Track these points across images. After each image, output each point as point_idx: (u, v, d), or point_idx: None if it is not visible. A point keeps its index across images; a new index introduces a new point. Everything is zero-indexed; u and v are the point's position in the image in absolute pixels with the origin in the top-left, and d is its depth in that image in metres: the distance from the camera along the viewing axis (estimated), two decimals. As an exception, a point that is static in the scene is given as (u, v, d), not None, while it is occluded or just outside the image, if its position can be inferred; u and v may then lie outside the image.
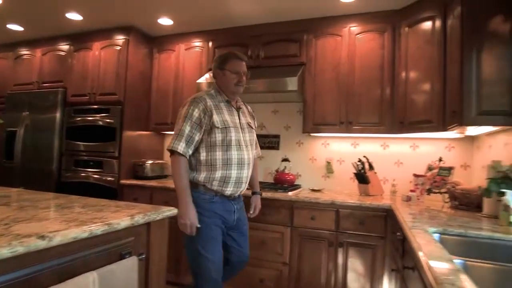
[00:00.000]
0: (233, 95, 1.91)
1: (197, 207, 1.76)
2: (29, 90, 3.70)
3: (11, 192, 1.99)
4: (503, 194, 1.53)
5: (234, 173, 1.80)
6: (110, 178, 3.22)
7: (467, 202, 2.13)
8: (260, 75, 2.77)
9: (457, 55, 1.97)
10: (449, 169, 2.45)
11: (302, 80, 2.84)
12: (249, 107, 2.10)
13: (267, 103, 3.29)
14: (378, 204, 2.33)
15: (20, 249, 0.93)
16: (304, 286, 2.46)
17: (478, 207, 2.02)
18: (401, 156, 2.88)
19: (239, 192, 1.89)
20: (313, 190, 2.89)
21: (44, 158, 3.48)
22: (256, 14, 2.92)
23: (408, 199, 2.47)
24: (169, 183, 3.03)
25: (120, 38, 3.33)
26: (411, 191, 2.52)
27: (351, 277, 2.36)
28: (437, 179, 2.47)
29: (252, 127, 2.00)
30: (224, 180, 1.79)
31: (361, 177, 2.75)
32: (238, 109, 1.94)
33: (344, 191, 2.95)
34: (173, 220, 1.67)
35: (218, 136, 1.78)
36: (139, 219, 1.39)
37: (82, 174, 3.35)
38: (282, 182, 2.94)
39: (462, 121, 1.90)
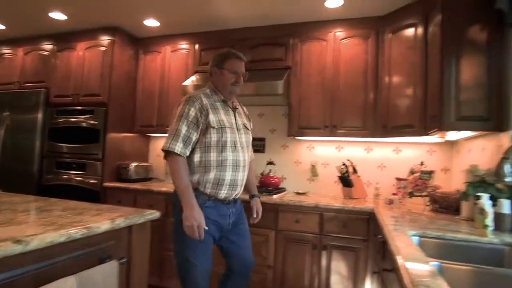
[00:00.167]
0: (229, 95, 1.84)
1: None
2: (10, 90, 3.62)
3: (-11, 194, 1.94)
4: (479, 197, 1.57)
5: (228, 175, 1.72)
6: (93, 181, 3.17)
7: (446, 205, 2.19)
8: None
9: (437, 62, 2.02)
10: (430, 173, 2.51)
11: (288, 84, 2.87)
12: (244, 108, 2.04)
13: (253, 106, 3.29)
14: (361, 207, 2.36)
15: (-5, 253, 0.91)
16: (288, 289, 2.47)
17: (457, 210, 2.07)
18: (384, 160, 2.92)
19: (233, 196, 1.80)
20: (298, 193, 2.91)
21: (24, 160, 3.40)
22: (243, 18, 2.94)
23: (390, 202, 2.51)
24: (154, 186, 3.01)
25: (105, 39, 3.29)
26: (394, 194, 2.57)
27: (334, 280, 2.38)
28: (418, 182, 2.52)
29: (248, 129, 1.93)
30: (218, 183, 1.71)
31: (345, 180, 2.78)
32: (234, 109, 1.87)
33: (328, 194, 2.99)
34: (156, 223, 1.66)
35: (213, 137, 1.70)
36: (120, 222, 1.38)
37: (64, 177, 3.28)
38: (267, 185, 2.95)
39: (441, 126, 1.95)
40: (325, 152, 3.11)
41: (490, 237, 1.47)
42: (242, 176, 1.80)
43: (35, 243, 1.02)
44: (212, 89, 1.84)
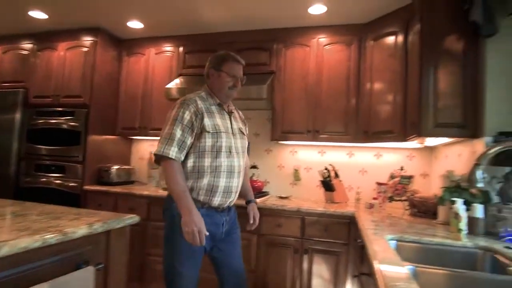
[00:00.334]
0: (226, 98, 1.76)
1: (180, 219, 1.55)
2: (-13, 90, 3.51)
3: (-39, 198, 1.87)
4: (454, 202, 1.61)
5: (222, 181, 1.65)
6: (73, 184, 3.10)
7: (424, 210, 2.24)
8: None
9: (417, 70, 2.07)
10: (409, 178, 2.57)
11: (272, 89, 2.88)
12: (240, 113, 1.94)
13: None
14: (342, 212, 2.39)
15: (-38, 260, 0.89)
16: (270, 293, 2.47)
17: (435, 214, 2.12)
18: (365, 165, 2.97)
19: (228, 203, 1.71)
20: (281, 197, 2.92)
21: (0, 162, 3.30)
22: (228, 21, 2.94)
23: (371, 206, 2.55)
24: (136, 189, 2.96)
25: (87, 40, 3.24)
26: (374, 198, 2.61)
27: (315, 283, 2.40)
28: (398, 187, 2.57)
29: (244, 133, 1.84)
30: (212, 189, 1.63)
31: (327, 184, 2.81)
32: (230, 113, 1.79)
33: (311, 198, 3.01)
34: (135, 227, 1.63)
35: (208, 141, 1.63)
36: (98, 227, 1.35)
37: (43, 179, 3.20)
38: (251, 189, 2.95)
39: (420, 132, 2.00)
40: (308, 157, 3.13)
41: (464, 241, 1.52)
42: (237, 183, 1.72)
43: (5, 249, 0.99)
44: (208, 92, 1.76)
